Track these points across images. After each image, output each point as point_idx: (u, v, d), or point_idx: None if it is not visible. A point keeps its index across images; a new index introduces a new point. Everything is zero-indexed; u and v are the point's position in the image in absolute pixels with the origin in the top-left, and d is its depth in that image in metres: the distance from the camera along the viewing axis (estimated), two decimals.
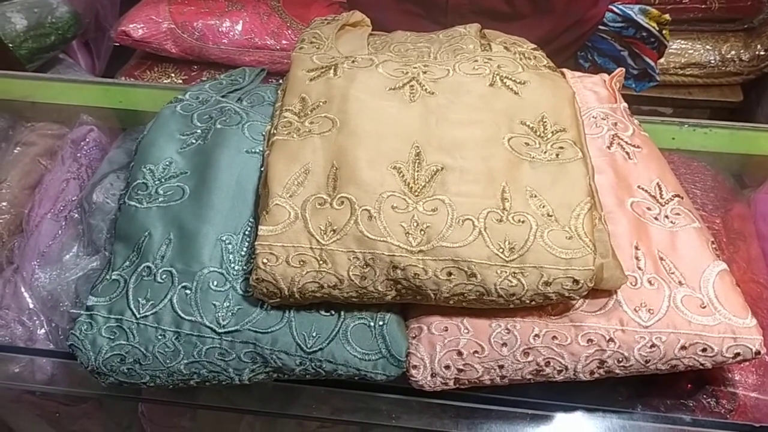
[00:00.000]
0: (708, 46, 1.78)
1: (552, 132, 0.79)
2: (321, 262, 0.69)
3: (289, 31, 1.63)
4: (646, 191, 0.82)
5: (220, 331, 0.72)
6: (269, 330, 0.72)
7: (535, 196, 0.72)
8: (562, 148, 0.77)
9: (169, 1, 1.67)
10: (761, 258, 0.89)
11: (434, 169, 0.74)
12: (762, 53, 1.75)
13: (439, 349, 0.72)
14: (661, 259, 0.76)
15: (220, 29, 1.66)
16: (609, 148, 0.86)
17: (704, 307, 0.72)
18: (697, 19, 1.81)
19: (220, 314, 0.72)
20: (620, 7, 1.20)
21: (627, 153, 0.86)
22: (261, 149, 0.83)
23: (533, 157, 0.76)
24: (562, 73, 0.95)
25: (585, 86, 0.95)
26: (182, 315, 0.72)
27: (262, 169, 0.80)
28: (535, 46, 0.96)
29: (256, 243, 0.70)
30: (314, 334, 0.72)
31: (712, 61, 1.77)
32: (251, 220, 0.78)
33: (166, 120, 0.90)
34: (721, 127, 1.05)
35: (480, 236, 0.69)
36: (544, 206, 0.71)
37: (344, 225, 0.70)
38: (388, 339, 0.73)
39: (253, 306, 0.73)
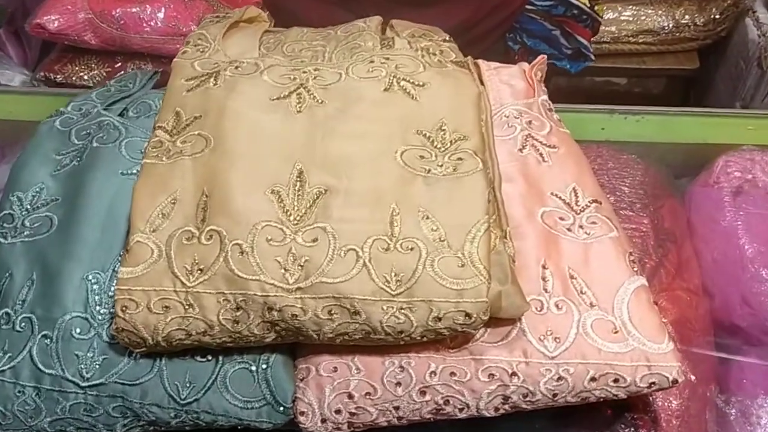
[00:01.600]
0: (661, 12, 1.68)
1: (451, 141, 0.71)
2: (187, 307, 0.62)
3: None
4: (559, 198, 0.75)
5: (83, 384, 0.65)
6: (138, 381, 0.65)
7: (428, 218, 0.65)
8: (460, 159, 0.69)
9: None
10: (693, 260, 0.83)
11: (317, 192, 0.66)
12: (717, 17, 1.66)
13: (328, 392, 0.66)
14: (572, 277, 0.69)
15: (141, 17, 1.55)
16: (521, 150, 0.79)
17: (616, 332, 0.66)
18: None
19: (83, 366, 0.65)
20: None
21: (541, 155, 0.79)
22: (138, 170, 0.75)
23: (428, 172, 0.68)
24: (477, 66, 0.88)
25: (501, 79, 0.87)
26: (42, 368, 0.65)
27: None
28: (447, 36, 0.88)
29: (115, 287, 0.63)
30: (189, 384, 0.65)
31: (666, 28, 1.68)
32: (122, 254, 0.70)
33: (42, 138, 0.82)
34: (653, 113, 0.97)
35: (364, 268, 0.62)
36: (436, 229, 0.64)
37: (212, 263, 0.63)
38: (273, 384, 0.66)
39: (119, 355, 0.66)
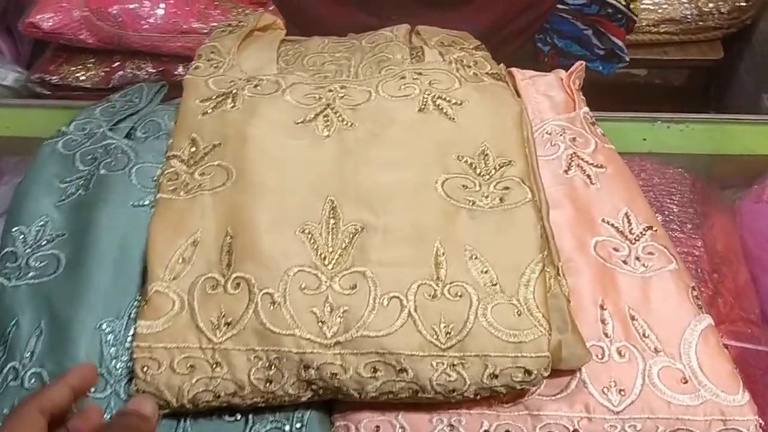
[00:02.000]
0: (684, 0, 1.61)
1: (495, 167, 0.65)
2: (214, 366, 0.56)
3: (218, 11, 1.45)
4: (612, 226, 0.69)
5: None
6: None
7: (476, 258, 0.59)
8: (507, 188, 0.63)
9: None
10: (750, 286, 0.77)
11: (353, 230, 0.60)
12: (743, 4, 1.58)
13: None
14: (633, 318, 0.63)
15: (139, 13, 1.47)
16: (567, 172, 0.72)
17: (686, 382, 0.59)
18: None
19: None
20: None
21: (588, 176, 0.72)
22: (151, 200, 0.68)
23: (473, 204, 0.62)
24: (511, 76, 0.81)
25: (538, 90, 0.81)
26: None
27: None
28: (478, 43, 0.81)
29: (133, 344, 0.57)
30: None
31: (689, 16, 1.59)
32: (139, 298, 0.63)
33: (44, 162, 0.75)
34: (698, 121, 0.91)
35: (409, 319, 0.56)
36: (486, 271, 0.58)
37: (241, 315, 0.56)
38: None
39: None
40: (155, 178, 0.70)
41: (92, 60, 1.52)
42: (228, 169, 0.63)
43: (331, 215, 0.60)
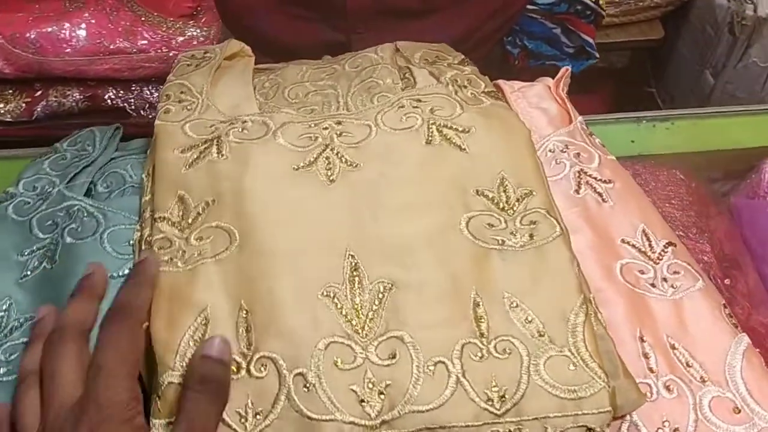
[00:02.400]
0: None
1: (518, 199, 0.60)
2: None
3: (145, 27, 1.35)
4: (633, 246, 0.66)
5: None
6: None
7: (517, 306, 0.54)
8: (534, 222, 0.59)
9: None
10: (761, 287, 0.76)
11: (381, 289, 0.54)
12: None
13: None
14: (673, 348, 0.60)
15: (59, 37, 1.34)
16: (578, 192, 0.69)
17: (739, 412, 0.57)
18: None
19: None
20: None
21: (600, 194, 0.69)
22: (131, 269, 0.61)
23: (502, 244, 0.57)
24: (499, 89, 0.77)
25: (530, 103, 0.77)
26: None
27: None
28: (462, 57, 0.76)
29: None
30: None
31: None
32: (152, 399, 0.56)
33: None
34: (683, 117, 0.89)
35: (459, 387, 0.51)
36: (530, 320, 0.54)
37: (273, 403, 0.50)
38: None
39: None
40: (132, 242, 0.62)
41: (11, 91, 1.39)
42: (229, 230, 0.56)
43: (355, 273, 0.55)
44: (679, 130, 0.88)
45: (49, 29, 1.30)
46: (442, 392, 0.50)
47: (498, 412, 0.50)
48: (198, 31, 1.32)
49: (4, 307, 0.61)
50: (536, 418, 0.51)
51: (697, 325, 0.61)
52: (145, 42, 1.34)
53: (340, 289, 0.54)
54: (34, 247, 0.64)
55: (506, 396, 0.51)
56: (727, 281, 0.75)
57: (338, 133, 0.62)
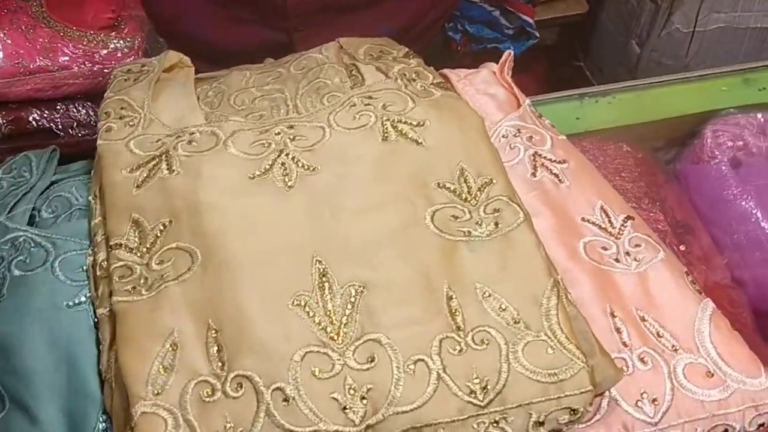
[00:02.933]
0: None
1: (479, 188, 0.60)
2: None
3: (65, 42, 1.28)
4: (593, 223, 0.67)
5: None
6: None
7: (489, 295, 0.54)
8: (497, 210, 0.59)
9: None
10: (714, 250, 0.78)
11: (352, 292, 0.54)
12: None
13: None
14: (643, 319, 0.61)
15: None
16: (534, 175, 0.69)
17: (712, 376, 0.59)
18: None
19: None
20: None
21: (556, 176, 0.70)
22: (87, 295, 0.58)
23: (469, 234, 0.57)
24: (448, 81, 0.76)
25: (477, 90, 0.77)
26: None
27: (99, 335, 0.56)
28: (406, 50, 0.76)
29: None
30: None
31: None
32: (102, 417, 0.54)
33: None
34: (623, 90, 0.91)
35: (440, 382, 0.51)
36: (504, 308, 0.54)
37: (253, 421, 0.49)
38: None
39: None
40: (85, 268, 0.60)
41: None
42: (189, 250, 0.55)
43: (324, 279, 0.54)
44: (621, 104, 0.90)
45: None
46: (425, 390, 0.50)
47: (482, 404, 0.51)
48: (122, 42, 1.27)
49: None
50: (520, 405, 0.51)
51: (663, 296, 0.63)
52: (67, 58, 1.28)
53: (311, 297, 0.53)
54: None
55: (488, 387, 0.51)
56: (682, 247, 0.77)
57: (291, 137, 0.61)
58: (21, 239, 0.62)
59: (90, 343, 0.56)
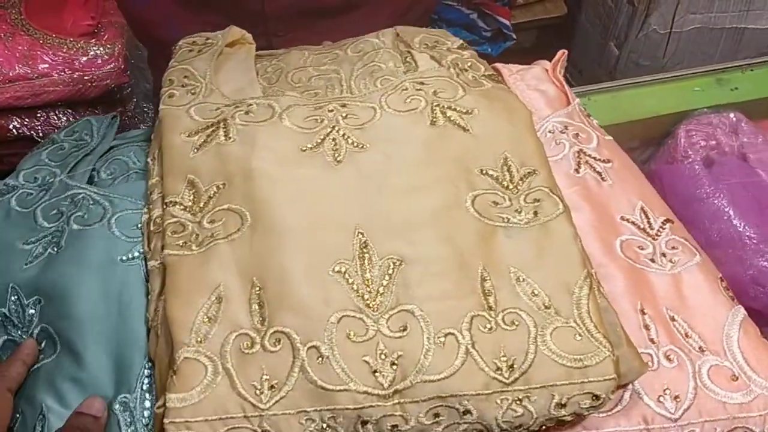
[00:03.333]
0: None
1: (521, 178, 0.62)
2: None
3: (44, 50, 1.29)
4: (632, 223, 0.68)
5: None
6: None
7: (523, 280, 0.57)
8: (538, 200, 0.61)
9: None
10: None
11: (390, 264, 0.56)
12: None
13: None
14: (673, 319, 0.63)
15: None
16: (577, 171, 0.71)
17: (736, 379, 0.60)
18: None
19: None
20: None
21: (599, 173, 0.71)
22: (140, 251, 0.62)
23: (507, 221, 0.59)
24: (500, 74, 0.79)
25: (528, 85, 0.79)
26: None
27: (149, 286, 0.60)
28: (461, 42, 0.78)
29: (165, 421, 0.51)
30: None
31: None
32: (147, 365, 0.57)
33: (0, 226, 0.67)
34: (599, 92, 0.94)
35: (468, 357, 0.53)
36: (536, 293, 0.56)
37: (287, 375, 0.52)
38: None
39: None
40: (140, 225, 0.64)
41: None
42: (240, 212, 0.58)
43: (365, 250, 0.56)
44: (597, 105, 0.92)
45: None
46: (453, 362, 0.53)
47: (507, 381, 0.53)
48: (102, 49, 1.26)
49: (13, 297, 0.61)
50: (544, 386, 0.53)
51: (696, 298, 0.64)
52: (46, 66, 1.28)
53: (351, 265, 0.56)
54: (40, 236, 0.65)
55: (515, 365, 0.53)
56: None
57: (343, 115, 0.64)
58: (80, 196, 0.66)
59: (140, 295, 0.60)
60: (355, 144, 0.62)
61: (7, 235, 0.65)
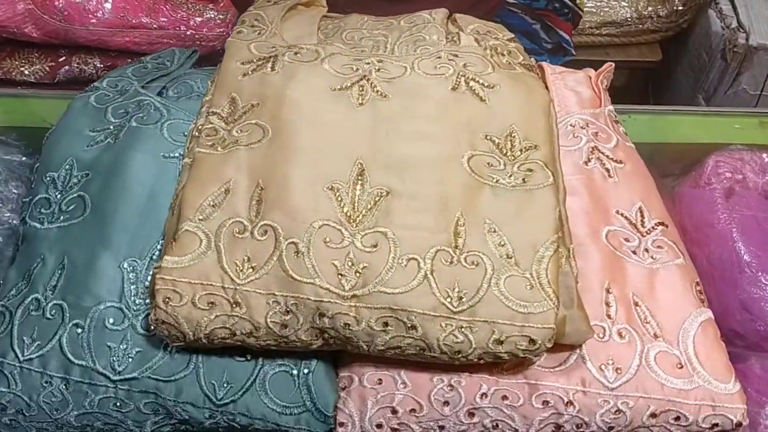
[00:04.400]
0: (624, 3, 1.67)
1: (521, 150, 0.69)
2: (234, 306, 0.61)
3: (167, 6, 1.45)
4: (625, 218, 0.74)
5: (114, 378, 0.64)
6: (172, 378, 0.64)
7: (494, 231, 0.63)
8: (530, 170, 0.68)
9: None
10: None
11: (378, 194, 0.65)
12: (680, 8, 1.65)
13: (370, 405, 0.65)
14: (636, 304, 0.68)
15: (86, 7, 1.46)
16: (586, 163, 0.77)
17: (681, 367, 0.64)
18: None
19: (115, 358, 0.64)
20: None
21: (607, 170, 0.77)
22: (181, 153, 0.73)
23: (496, 181, 0.66)
24: (541, 69, 0.86)
25: (566, 85, 0.85)
26: (72, 359, 0.64)
27: (178, 179, 0.71)
28: (512, 35, 0.86)
29: (156, 276, 0.61)
30: (226, 384, 0.64)
31: (629, 19, 1.66)
32: (161, 241, 0.68)
33: (76, 114, 0.80)
34: (640, 112, 0.98)
35: (425, 281, 0.60)
36: (503, 244, 0.63)
37: (266, 261, 0.61)
38: (314, 390, 0.65)
39: (154, 348, 0.65)
40: (186, 133, 0.75)
41: (37, 54, 1.50)
42: (264, 127, 0.68)
43: (359, 177, 0.65)
44: (635, 123, 0.95)
45: (77, 0, 1.47)
46: (409, 282, 0.60)
47: (454, 309, 0.60)
48: (215, 13, 1.42)
49: (67, 167, 0.74)
50: (486, 321, 0.60)
51: (665, 292, 0.69)
52: (165, 20, 1.45)
53: (344, 187, 0.65)
54: (104, 127, 0.77)
55: (464, 298, 0.60)
56: None
57: (377, 68, 0.73)
58: (146, 102, 0.79)
59: (170, 186, 0.71)
60: (380, 93, 0.71)
61: (80, 122, 0.78)
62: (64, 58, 1.49)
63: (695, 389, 0.63)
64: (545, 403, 0.64)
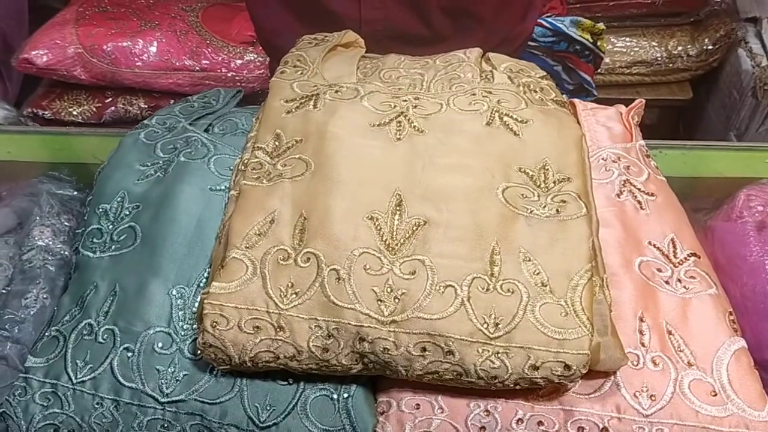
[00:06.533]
0: (654, 43, 1.76)
1: (554, 182, 0.73)
2: (278, 330, 0.65)
3: (209, 50, 1.57)
4: (657, 249, 0.77)
5: (162, 400, 0.68)
6: (218, 400, 0.68)
7: (529, 260, 0.67)
8: (564, 201, 0.71)
9: (76, 22, 1.57)
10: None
11: (416, 223, 0.69)
12: (710, 47, 1.71)
13: (408, 429, 0.68)
14: (670, 333, 0.70)
15: (132, 51, 1.58)
16: (619, 196, 0.81)
17: (715, 395, 0.67)
18: (642, 15, 1.78)
19: (163, 381, 0.68)
20: (550, 20, 1.15)
21: (639, 202, 0.80)
22: (227, 186, 0.78)
23: (530, 212, 0.70)
24: (573, 106, 0.90)
25: (597, 120, 0.89)
26: (122, 381, 0.69)
27: (225, 210, 0.76)
28: (544, 73, 0.90)
29: (204, 301, 0.66)
30: (269, 407, 0.68)
31: (659, 58, 1.74)
32: (208, 269, 0.73)
33: (127, 149, 0.86)
34: (671, 147, 1.01)
35: (462, 307, 0.64)
36: (538, 273, 0.66)
37: (308, 287, 0.65)
38: (353, 414, 0.68)
39: (200, 372, 0.69)
40: (232, 167, 0.80)
41: (85, 95, 1.61)
42: (307, 162, 0.73)
43: (398, 207, 0.69)
44: (666, 158, 0.99)
45: (124, 44, 1.54)
46: (447, 308, 0.64)
47: (491, 335, 0.63)
48: (255, 56, 1.55)
49: (119, 199, 0.80)
50: (522, 347, 0.63)
51: (698, 321, 0.71)
52: (208, 62, 1.56)
53: (383, 217, 0.69)
54: (154, 162, 0.83)
55: (500, 324, 0.64)
56: None
57: (414, 105, 0.78)
58: (193, 138, 0.84)
59: (217, 217, 0.76)
60: (417, 128, 0.76)
61: (130, 157, 0.84)
62: (110, 99, 1.59)
63: (729, 416, 0.66)
64: (580, 429, 0.66)
